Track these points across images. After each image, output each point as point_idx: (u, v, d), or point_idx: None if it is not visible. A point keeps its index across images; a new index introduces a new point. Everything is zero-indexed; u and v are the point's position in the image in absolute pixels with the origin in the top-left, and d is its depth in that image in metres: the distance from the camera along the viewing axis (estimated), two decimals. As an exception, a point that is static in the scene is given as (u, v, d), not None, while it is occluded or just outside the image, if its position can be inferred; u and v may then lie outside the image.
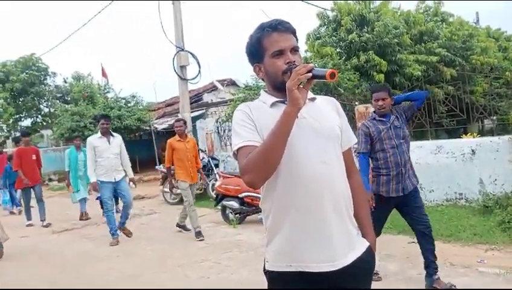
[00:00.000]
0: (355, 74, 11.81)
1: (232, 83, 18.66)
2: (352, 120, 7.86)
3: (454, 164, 6.27)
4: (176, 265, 5.10)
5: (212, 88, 18.36)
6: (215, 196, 7.78)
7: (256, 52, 1.68)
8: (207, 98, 18.29)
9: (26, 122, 22.64)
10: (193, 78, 11.31)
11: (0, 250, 6.11)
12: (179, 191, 6.75)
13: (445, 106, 8.51)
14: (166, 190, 9.53)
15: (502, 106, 12.23)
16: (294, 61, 1.59)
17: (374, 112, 3.90)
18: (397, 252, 4.60)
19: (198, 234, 6.23)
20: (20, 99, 21.16)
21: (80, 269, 5.29)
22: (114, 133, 6.67)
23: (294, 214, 1.58)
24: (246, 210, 7.00)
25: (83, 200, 8.74)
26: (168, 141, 6.57)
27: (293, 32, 1.67)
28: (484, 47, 14.80)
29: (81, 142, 9.07)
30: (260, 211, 6.07)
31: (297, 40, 1.69)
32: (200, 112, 15.59)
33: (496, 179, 5.77)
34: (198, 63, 11.18)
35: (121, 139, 6.67)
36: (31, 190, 8.51)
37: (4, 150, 12.60)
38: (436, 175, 6.44)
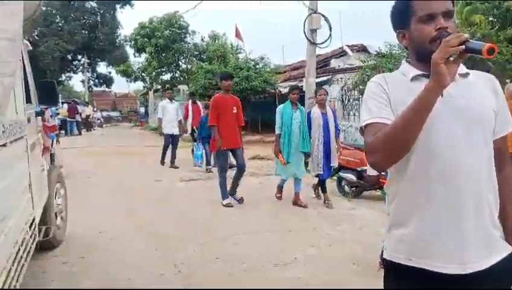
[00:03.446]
0: (508, 46, 10.33)
1: (362, 49, 17.86)
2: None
3: None
4: (287, 229, 5.18)
5: (341, 53, 17.80)
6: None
7: (401, 16, 1.47)
8: (334, 63, 17.80)
9: (166, 77, 24.78)
10: (323, 43, 11.05)
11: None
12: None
13: None
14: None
15: None
16: (446, 28, 1.36)
17: None
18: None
19: None
20: (163, 55, 23.05)
21: (187, 213, 5.71)
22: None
23: (425, 206, 1.39)
24: (364, 185, 6.77)
25: (299, 181, 6.32)
26: None
27: None
28: None
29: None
30: (378, 188, 5.84)
31: (453, 3, 1.44)
32: (325, 77, 15.28)
33: None
34: (330, 26, 10.86)
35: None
36: (229, 153, 6.44)
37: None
38: None
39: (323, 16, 10.68)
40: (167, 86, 23.88)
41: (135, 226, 5.33)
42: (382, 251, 1.55)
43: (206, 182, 8.32)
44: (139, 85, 36.26)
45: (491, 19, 11.76)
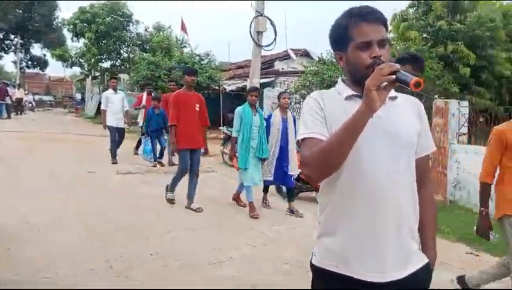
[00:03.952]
0: (439, 63, 11.13)
1: (305, 54, 18.32)
2: (428, 114, 7.47)
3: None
4: (225, 228, 5.23)
5: (285, 56, 18.15)
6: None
7: (340, 39, 1.56)
8: (278, 65, 18.13)
9: (106, 64, 23.87)
10: (268, 45, 11.18)
11: None
12: None
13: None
14: (226, 151, 9.75)
15: None
16: (380, 56, 1.47)
17: None
18: (453, 261, 4.39)
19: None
20: (103, 42, 22.19)
21: (123, 207, 5.60)
22: None
23: (351, 221, 1.52)
24: (300, 186, 6.97)
25: (249, 187, 5.90)
26: None
27: (384, 23, 1.54)
28: None
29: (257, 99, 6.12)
30: (314, 190, 6.01)
31: (387, 31, 1.57)
32: (269, 79, 15.53)
33: None
34: (275, 30, 11.01)
35: None
36: (189, 153, 5.93)
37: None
38: None
39: (269, 19, 10.83)
40: (106, 73, 23.05)
41: (67, 218, 5.12)
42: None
43: (144, 176, 8.16)
44: (75, 70, 34.59)
45: (425, 35, 12.61)
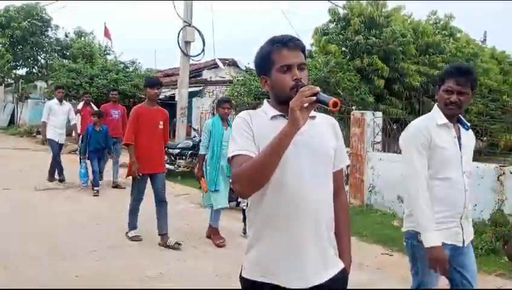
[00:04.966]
0: (356, 75, 11.85)
1: (233, 64, 18.56)
2: (346, 125, 7.95)
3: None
4: (153, 243, 5.16)
5: (213, 65, 18.23)
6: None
7: (264, 64, 1.72)
8: (206, 74, 18.17)
9: (22, 71, 22.40)
10: (196, 56, 11.26)
11: None
12: None
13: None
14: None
15: (494, 129, 12.43)
16: (300, 78, 1.64)
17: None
18: (369, 262, 4.72)
19: None
20: (19, 47, 20.86)
21: (41, 227, 5.35)
22: None
23: (275, 231, 1.66)
24: (230, 197, 7.05)
25: (218, 212, 5.32)
26: None
27: (302, 49, 1.72)
28: (486, 68, 14.94)
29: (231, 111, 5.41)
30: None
31: (305, 57, 1.74)
32: (198, 88, 15.53)
33: (476, 205, 5.89)
34: (203, 41, 11.11)
35: None
36: (147, 179, 5.17)
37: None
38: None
39: (197, 29, 10.90)
40: (22, 81, 21.58)
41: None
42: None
43: (64, 192, 7.78)
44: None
45: (343, 49, 13.33)
